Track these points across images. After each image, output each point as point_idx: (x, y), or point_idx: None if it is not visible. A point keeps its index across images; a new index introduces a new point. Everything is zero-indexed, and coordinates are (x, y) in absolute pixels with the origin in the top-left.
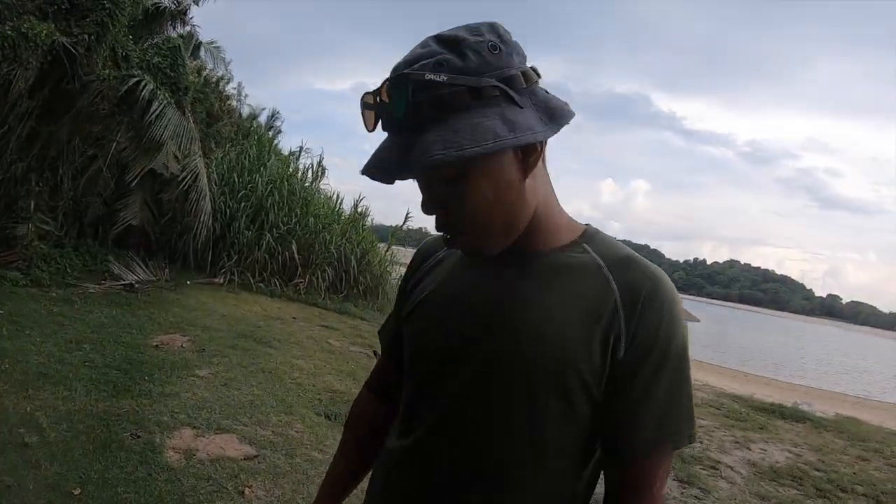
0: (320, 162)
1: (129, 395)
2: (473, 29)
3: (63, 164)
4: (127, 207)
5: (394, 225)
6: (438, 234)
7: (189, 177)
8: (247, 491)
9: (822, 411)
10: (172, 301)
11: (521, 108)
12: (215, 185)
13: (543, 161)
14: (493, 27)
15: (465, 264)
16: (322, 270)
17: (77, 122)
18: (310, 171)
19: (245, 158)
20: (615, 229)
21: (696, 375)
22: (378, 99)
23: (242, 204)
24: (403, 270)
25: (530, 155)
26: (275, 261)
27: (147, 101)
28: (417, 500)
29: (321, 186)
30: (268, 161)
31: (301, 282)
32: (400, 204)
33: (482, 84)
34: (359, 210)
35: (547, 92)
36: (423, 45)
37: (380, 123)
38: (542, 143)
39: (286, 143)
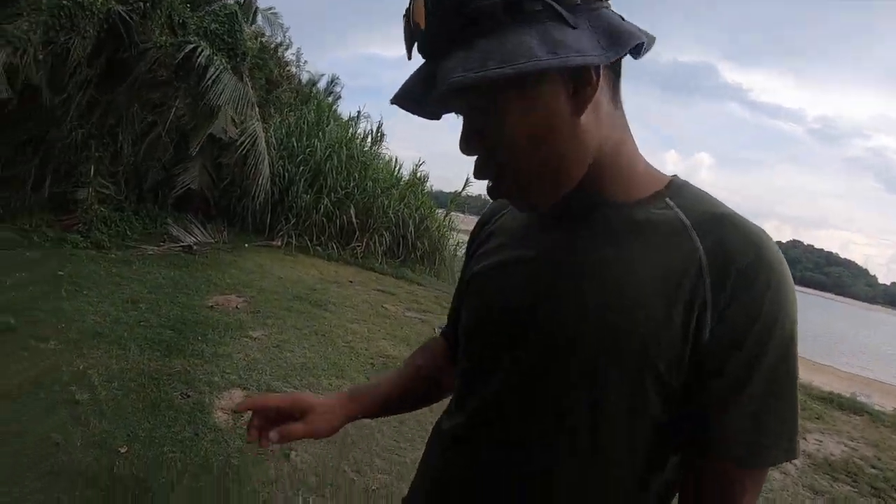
0: (379, 127)
1: (181, 355)
2: None
3: (123, 130)
4: (186, 171)
5: (453, 191)
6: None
7: (248, 141)
8: (292, 454)
9: (881, 405)
10: (230, 263)
11: (573, 27)
12: (274, 149)
13: (615, 97)
14: None
15: (526, 224)
16: (380, 235)
17: (135, 89)
18: (368, 137)
19: (304, 123)
20: None
21: None
22: (411, 21)
23: (301, 168)
24: (462, 237)
25: (584, 85)
26: (333, 224)
27: (203, 67)
28: (467, 481)
29: (380, 151)
30: (327, 126)
31: (358, 245)
32: (460, 170)
33: (506, 8)
34: (418, 175)
35: (621, 18)
36: None
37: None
38: (597, 71)
39: (344, 109)
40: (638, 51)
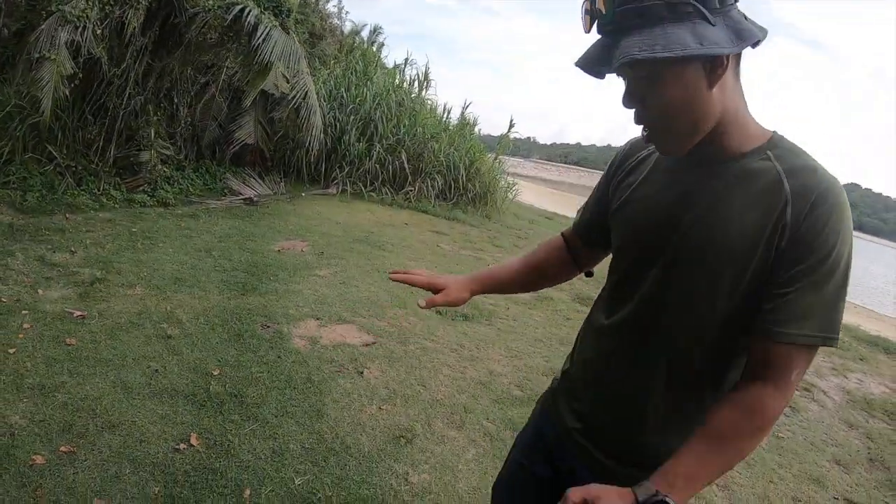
0: (426, 73)
1: (256, 293)
2: None
3: (178, 93)
4: (241, 128)
5: (500, 134)
6: (639, 137)
7: (298, 95)
8: (365, 371)
9: None
10: (290, 211)
11: (713, 25)
12: (324, 101)
13: (736, 75)
14: None
15: (663, 167)
16: (431, 178)
17: (188, 53)
18: (416, 83)
19: (351, 74)
20: None
21: None
22: (594, 6)
23: (351, 117)
24: (510, 179)
25: (717, 67)
26: (385, 170)
27: (253, 26)
28: (611, 360)
29: (427, 97)
30: (373, 75)
31: (411, 190)
32: (504, 115)
33: (677, 0)
34: (466, 118)
35: (745, 17)
36: None
37: (594, 26)
38: (727, 58)
39: (390, 57)
40: (756, 44)
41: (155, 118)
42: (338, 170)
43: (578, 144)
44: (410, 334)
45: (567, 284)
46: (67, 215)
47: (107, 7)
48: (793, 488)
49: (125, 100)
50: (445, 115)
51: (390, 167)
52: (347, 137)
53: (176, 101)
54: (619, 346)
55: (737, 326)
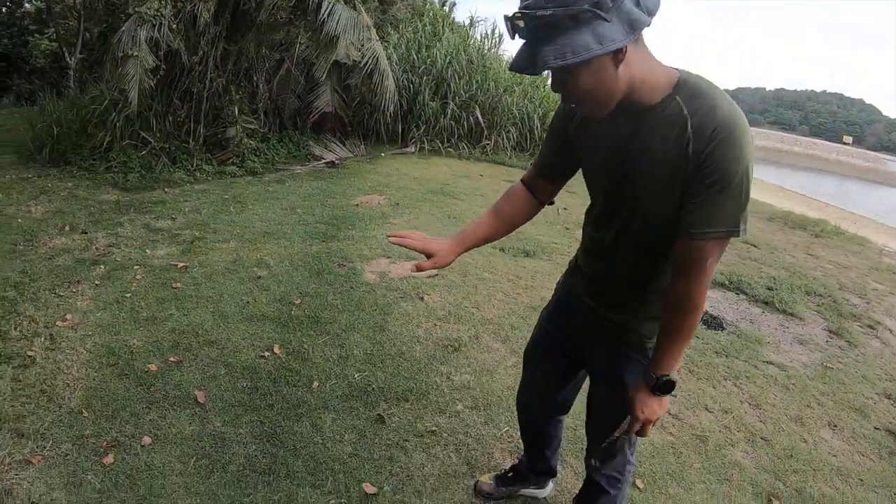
0: (494, 29)
1: (335, 240)
2: None
3: (256, 71)
4: (318, 98)
5: None
6: None
7: (370, 61)
8: (425, 297)
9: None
10: (369, 171)
11: (609, 22)
12: (396, 64)
13: (638, 45)
14: None
15: (600, 123)
16: (506, 131)
17: (260, 34)
18: (486, 40)
19: (421, 36)
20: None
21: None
22: (514, 21)
23: (424, 78)
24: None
25: (618, 54)
26: (460, 126)
27: (317, 3)
28: (603, 255)
29: (499, 53)
30: (443, 35)
31: (487, 143)
32: None
33: (577, 10)
34: None
35: (637, 3)
36: None
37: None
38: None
39: (460, 16)
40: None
41: (237, 97)
42: (414, 129)
43: None
44: (471, 268)
45: None
46: (166, 189)
47: (178, 4)
48: (831, 414)
49: (207, 83)
50: None
51: (465, 123)
52: (422, 97)
53: (255, 78)
54: (607, 248)
55: (674, 231)
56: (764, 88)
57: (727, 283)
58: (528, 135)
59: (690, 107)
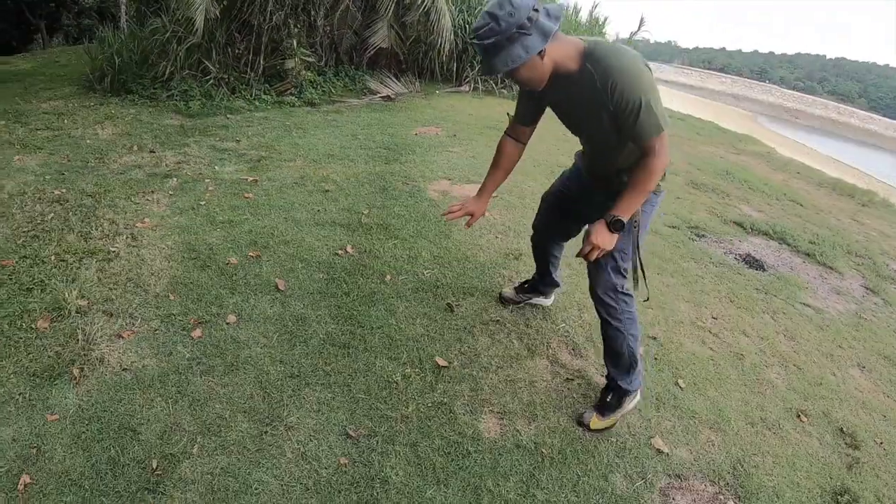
0: None
1: (398, 163)
2: (501, 5)
3: (314, 6)
4: (375, 34)
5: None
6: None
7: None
8: (487, 213)
9: None
10: (425, 106)
11: (531, 35)
12: (453, 4)
13: (556, 38)
14: (510, 3)
15: (552, 86)
16: None
17: None
18: None
19: None
20: None
21: None
22: (476, 40)
23: None
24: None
25: (541, 53)
26: None
27: None
28: (590, 156)
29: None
30: None
31: None
32: (633, 12)
33: (510, 34)
34: (594, 17)
35: (548, 14)
36: (482, 17)
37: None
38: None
39: None
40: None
41: (296, 30)
42: (469, 69)
43: (723, 49)
44: (529, 193)
45: (683, 170)
46: (228, 116)
47: None
48: (861, 357)
49: (267, 16)
50: (574, 16)
51: None
52: None
53: (313, 13)
54: (588, 151)
55: (624, 141)
56: (824, 56)
57: (771, 232)
58: None
59: (595, 69)
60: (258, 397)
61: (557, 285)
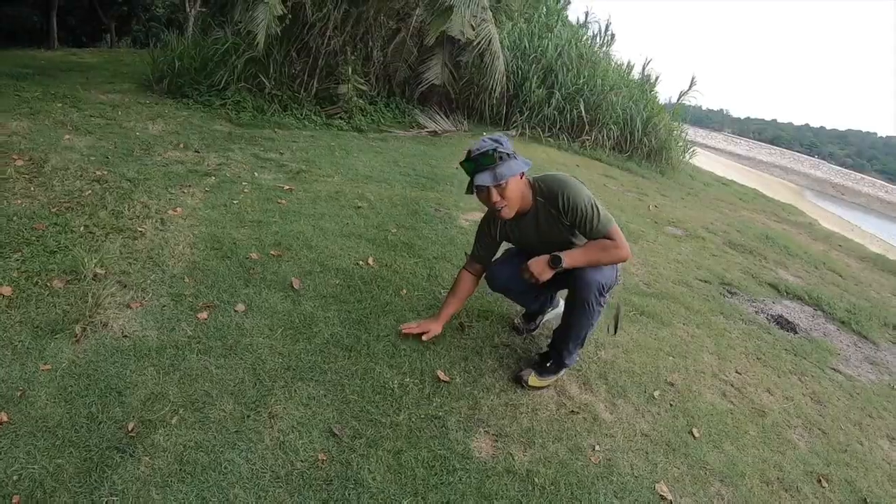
0: (607, 28)
1: (434, 191)
2: (495, 140)
3: (372, 37)
4: (429, 70)
5: (680, 95)
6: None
7: (483, 41)
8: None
9: None
10: (470, 144)
11: (515, 159)
12: (508, 49)
13: (526, 175)
14: (499, 142)
15: (510, 224)
16: (608, 129)
17: (380, 1)
18: (597, 37)
19: (535, 26)
20: None
21: None
22: (472, 162)
23: (533, 66)
24: (687, 139)
25: (522, 174)
26: (563, 118)
27: None
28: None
29: (609, 52)
30: (555, 27)
31: (587, 139)
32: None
33: (502, 158)
34: (646, 75)
35: (517, 157)
36: (484, 141)
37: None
38: (525, 171)
39: (571, 16)
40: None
41: (352, 57)
42: (518, 114)
43: (774, 121)
44: None
45: (721, 230)
46: (276, 129)
47: None
48: (892, 427)
49: (325, 41)
50: (627, 71)
51: (568, 115)
52: (528, 84)
53: (370, 44)
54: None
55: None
56: (875, 134)
57: (807, 297)
58: (628, 136)
59: (548, 201)
60: (249, 383)
61: (554, 298)
